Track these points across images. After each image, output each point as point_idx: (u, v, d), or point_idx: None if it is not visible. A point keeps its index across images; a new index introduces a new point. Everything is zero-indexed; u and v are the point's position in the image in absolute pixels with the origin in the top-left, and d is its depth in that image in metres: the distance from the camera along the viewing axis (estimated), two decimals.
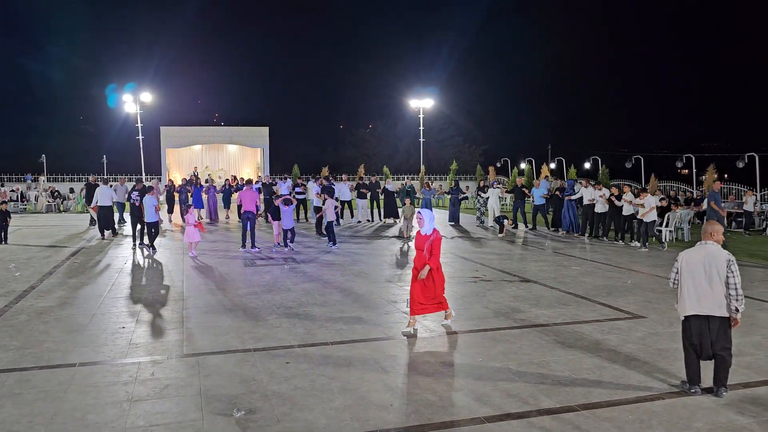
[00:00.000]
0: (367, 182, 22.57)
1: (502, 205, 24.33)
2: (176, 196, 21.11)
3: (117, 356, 6.22)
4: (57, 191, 29.72)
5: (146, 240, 14.14)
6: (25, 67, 78.69)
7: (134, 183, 19.48)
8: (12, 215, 16.97)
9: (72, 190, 30.47)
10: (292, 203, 14.27)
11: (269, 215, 14.60)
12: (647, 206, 14.09)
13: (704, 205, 18.40)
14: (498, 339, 6.79)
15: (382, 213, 21.18)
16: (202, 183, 23.04)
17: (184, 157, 37.10)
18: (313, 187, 19.98)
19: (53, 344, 6.61)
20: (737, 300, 5.01)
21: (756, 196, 19.43)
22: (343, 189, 21.01)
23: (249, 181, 16.56)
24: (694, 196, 22.98)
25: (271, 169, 36.22)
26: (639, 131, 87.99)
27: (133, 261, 12.59)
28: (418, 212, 6.99)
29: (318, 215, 16.34)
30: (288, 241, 14.06)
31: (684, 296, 5.20)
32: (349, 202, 21.39)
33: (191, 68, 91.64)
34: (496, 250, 14.05)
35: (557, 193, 18.43)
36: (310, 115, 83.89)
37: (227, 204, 22.89)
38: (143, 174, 31.91)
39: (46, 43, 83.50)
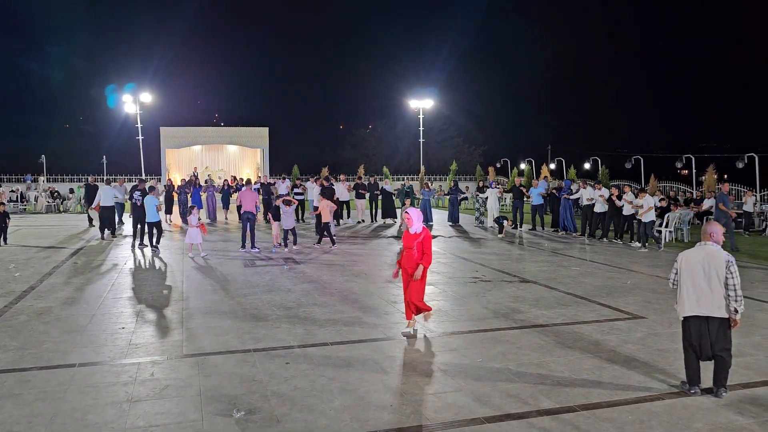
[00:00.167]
0: (366, 183, 22.58)
1: (502, 205, 24.33)
2: (175, 196, 21.13)
3: (117, 356, 6.22)
4: (57, 192, 29.70)
5: (146, 240, 14.16)
6: (25, 67, 78.90)
7: (136, 183, 19.47)
8: (11, 216, 16.98)
9: (72, 191, 30.46)
10: (292, 203, 14.27)
11: (270, 216, 14.59)
12: (645, 206, 14.11)
13: (704, 206, 18.45)
14: (498, 339, 6.79)
15: (379, 213, 21.19)
16: (201, 183, 23.02)
17: (184, 157, 37.08)
18: (312, 188, 19.97)
19: (53, 345, 6.61)
20: (736, 301, 5.00)
21: (756, 196, 19.44)
22: (341, 189, 21.00)
23: (248, 182, 16.57)
24: (694, 196, 22.98)
25: (270, 169, 36.19)
26: (639, 131, 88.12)
27: (133, 261, 12.60)
28: (406, 212, 6.92)
29: (316, 212, 16.32)
30: (291, 242, 14.05)
31: (683, 297, 5.20)
32: (348, 203, 21.40)
33: (191, 68, 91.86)
34: (495, 251, 14.05)
35: (554, 191, 18.46)
36: (310, 115, 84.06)
37: (226, 205, 22.86)
38: (143, 174, 31.89)
39: (46, 43, 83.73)
